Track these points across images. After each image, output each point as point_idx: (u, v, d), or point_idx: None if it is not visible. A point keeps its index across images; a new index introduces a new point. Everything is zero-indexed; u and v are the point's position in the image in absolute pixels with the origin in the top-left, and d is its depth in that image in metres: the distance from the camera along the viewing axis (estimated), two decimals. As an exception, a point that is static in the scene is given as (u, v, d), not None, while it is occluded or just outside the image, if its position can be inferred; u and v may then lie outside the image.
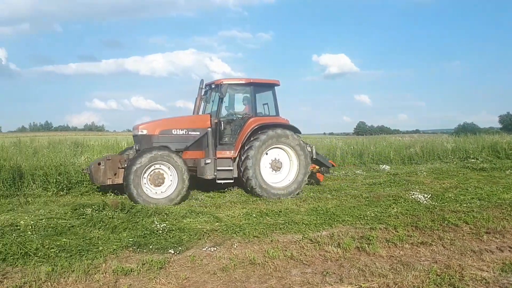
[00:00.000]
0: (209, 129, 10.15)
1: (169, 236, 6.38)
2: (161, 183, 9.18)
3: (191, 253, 5.66)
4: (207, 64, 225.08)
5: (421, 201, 8.91)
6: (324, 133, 70.58)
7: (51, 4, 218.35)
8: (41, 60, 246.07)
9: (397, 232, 6.54)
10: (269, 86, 11.18)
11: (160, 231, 6.49)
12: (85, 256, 5.43)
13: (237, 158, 10.27)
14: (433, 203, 8.70)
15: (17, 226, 6.78)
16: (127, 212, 7.55)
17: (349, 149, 18.83)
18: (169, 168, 9.17)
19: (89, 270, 4.95)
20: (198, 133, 10.24)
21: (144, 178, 9.01)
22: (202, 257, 5.51)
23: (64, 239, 6.05)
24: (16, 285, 4.50)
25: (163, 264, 5.16)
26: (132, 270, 4.96)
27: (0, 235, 6.24)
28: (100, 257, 5.43)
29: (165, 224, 6.78)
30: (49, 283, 4.61)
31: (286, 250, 5.73)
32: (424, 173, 14.35)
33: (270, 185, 10.23)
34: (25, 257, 5.35)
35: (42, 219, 7.15)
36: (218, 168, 10.05)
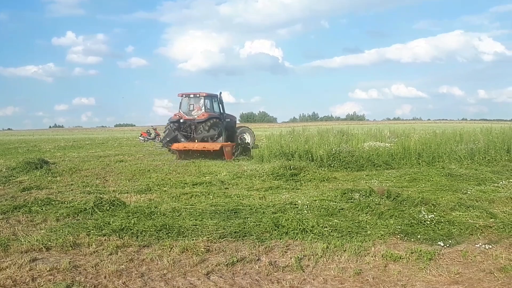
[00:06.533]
0: None
1: (438, 228, 6.15)
2: None
3: (462, 248, 5.34)
4: (475, 45, 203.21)
5: None
6: None
7: (320, 3, 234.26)
8: (310, 56, 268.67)
9: None
10: None
11: (428, 222, 6.32)
12: (355, 238, 5.77)
13: None
14: None
15: (295, 204, 7.68)
16: (393, 200, 7.61)
17: None
18: None
19: (360, 252, 5.23)
20: None
21: None
22: (475, 253, 5.13)
23: (336, 220, 6.54)
24: (298, 257, 5.12)
25: (433, 256, 5.03)
26: (401, 258, 5.01)
27: (283, 211, 7.22)
28: (369, 240, 5.68)
29: (433, 215, 6.56)
30: (324, 258, 5.09)
31: None
32: None
33: None
34: (303, 233, 6.02)
35: (315, 200, 7.93)
36: None
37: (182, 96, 20.34)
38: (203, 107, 19.71)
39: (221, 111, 20.17)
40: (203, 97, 19.88)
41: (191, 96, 20.11)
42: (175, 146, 17.87)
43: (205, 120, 19.14)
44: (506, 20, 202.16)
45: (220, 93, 20.27)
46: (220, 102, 20.18)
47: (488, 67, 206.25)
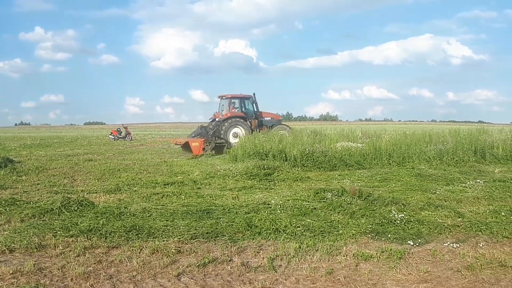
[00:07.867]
0: None
1: (407, 227, 6.25)
2: None
3: (431, 246, 5.44)
4: (444, 49, 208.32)
5: None
6: None
7: (294, 4, 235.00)
8: (285, 57, 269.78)
9: None
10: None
11: (398, 221, 6.41)
12: (327, 238, 5.80)
13: None
14: None
15: (268, 204, 7.68)
16: (364, 199, 7.70)
17: None
18: None
19: (332, 251, 5.26)
20: None
21: None
22: (443, 252, 5.24)
23: (308, 220, 6.55)
24: (270, 257, 5.10)
25: (403, 255, 5.10)
26: (372, 257, 5.05)
27: (257, 211, 7.19)
28: (341, 240, 5.72)
29: (403, 215, 6.66)
30: (297, 258, 5.08)
31: (548, 257, 4.94)
32: None
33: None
34: (276, 233, 6.01)
35: (289, 200, 7.95)
36: None
37: (220, 98, 23.43)
38: (229, 107, 22.43)
39: (255, 111, 22.88)
40: (229, 99, 22.63)
41: (224, 98, 23.05)
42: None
43: (224, 120, 21.69)
44: (473, 25, 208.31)
45: (254, 94, 23.13)
46: (254, 102, 22.98)
47: (456, 70, 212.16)
